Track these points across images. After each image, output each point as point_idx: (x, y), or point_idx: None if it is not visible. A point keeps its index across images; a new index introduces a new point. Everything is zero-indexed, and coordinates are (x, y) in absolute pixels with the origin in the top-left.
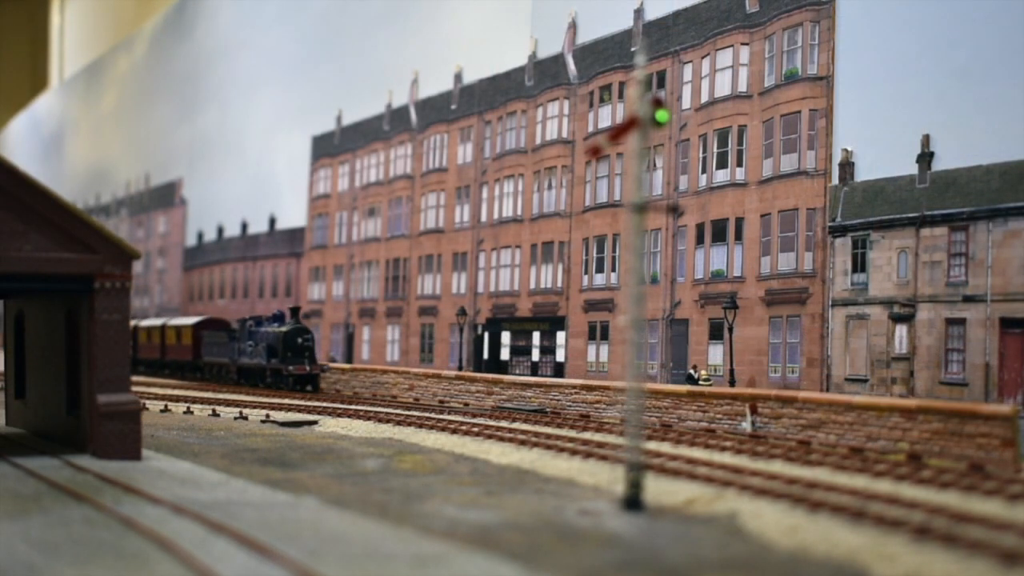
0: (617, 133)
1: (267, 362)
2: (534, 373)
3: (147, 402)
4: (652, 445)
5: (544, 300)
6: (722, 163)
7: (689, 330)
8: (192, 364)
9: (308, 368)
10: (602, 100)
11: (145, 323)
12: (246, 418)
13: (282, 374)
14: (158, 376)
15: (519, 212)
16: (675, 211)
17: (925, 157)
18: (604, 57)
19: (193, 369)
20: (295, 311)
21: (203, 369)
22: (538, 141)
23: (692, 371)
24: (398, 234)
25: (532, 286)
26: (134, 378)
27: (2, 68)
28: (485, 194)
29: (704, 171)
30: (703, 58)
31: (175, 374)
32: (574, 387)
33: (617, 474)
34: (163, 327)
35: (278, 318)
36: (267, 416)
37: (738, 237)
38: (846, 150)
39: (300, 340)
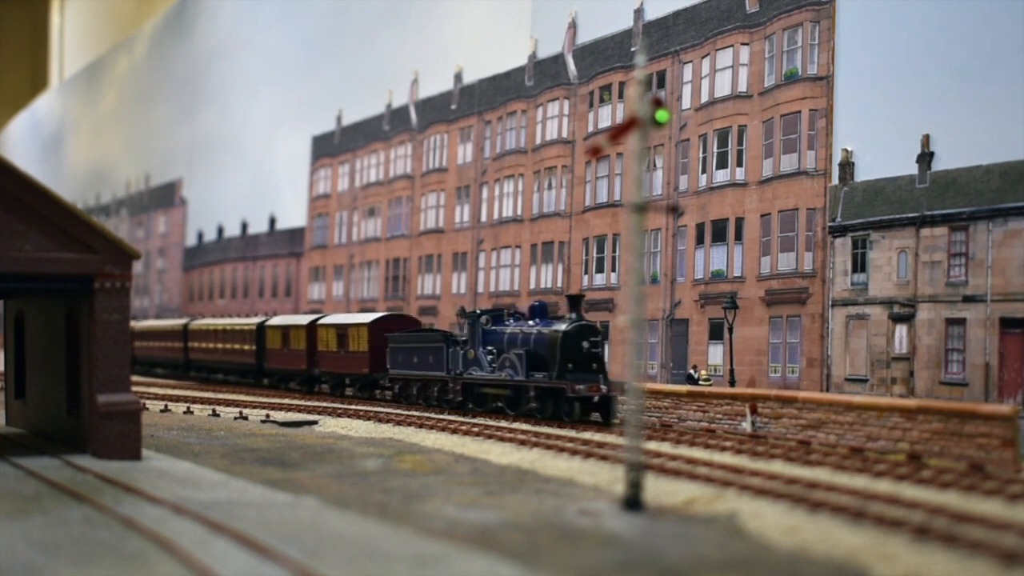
0: (617, 133)
1: (525, 376)
2: None
3: (147, 402)
4: (652, 445)
5: (544, 300)
6: (722, 163)
7: (689, 330)
8: (367, 379)
9: (603, 387)
10: (602, 100)
11: (278, 321)
12: (246, 418)
13: (563, 396)
14: (310, 397)
15: (519, 212)
16: (675, 211)
17: (925, 157)
18: (604, 57)
19: (369, 386)
20: (575, 300)
21: (385, 387)
22: (538, 141)
23: (692, 371)
24: (398, 234)
25: (532, 286)
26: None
27: (2, 68)
28: (485, 194)
29: (704, 171)
30: (703, 58)
31: (338, 392)
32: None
33: (617, 474)
34: (312, 327)
35: (539, 311)
36: (267, 416)
37: (738, 237)
38: (846, 150)
39: (586, 344)
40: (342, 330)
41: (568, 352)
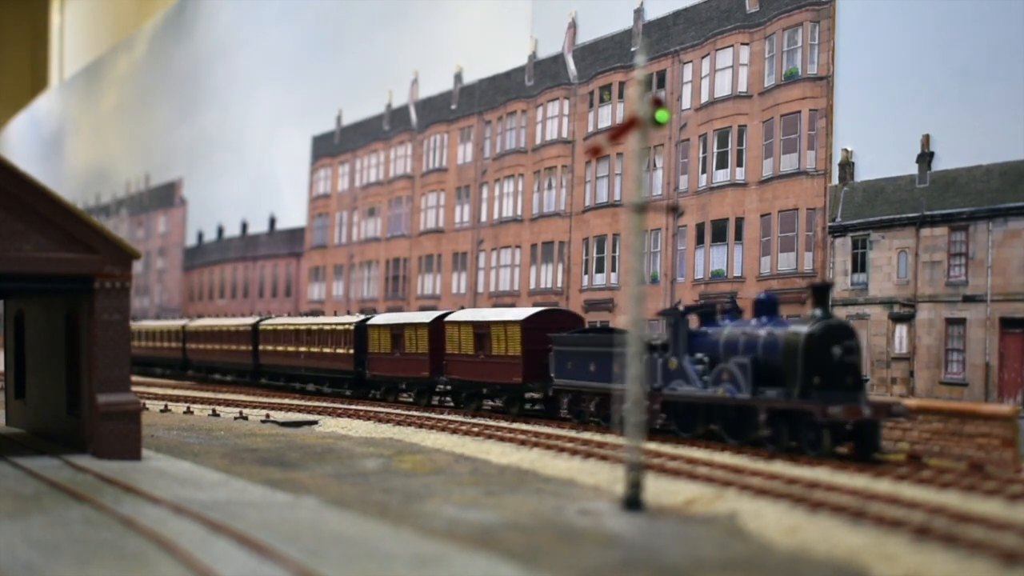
0: (617, 133)
1: (752, 394)
2: None
3: (147, 402)
4: (652, 445)
5: (544, 300)
6: (722, 163)
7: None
8: (518, 391)
9: (864, 409)
10: (602, 100)
11: (385, 319)
12: (246, 418)
13: (808, 421)
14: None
15: (519, 212)
16: (675, 211)
17: (925, 157)
18: (604, 57)
19: (519, 399)
20: (821, 292)
21: (540, 400)
22: (538, 141)
23: None
24: (398, 234)
25: (532, 286)
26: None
27: (2, 68)
28: (485, 194)
29: (704, 171)
30: (703, 58)
31: (472, 405)
32: None
33: (617, 474)
34: (438, 325)
35: (766, 306)
36: (267, 416)
37: (738, 237)
38: (846, 150)
39: (839, 351)
40: (482, 328)
41: (814, 361)
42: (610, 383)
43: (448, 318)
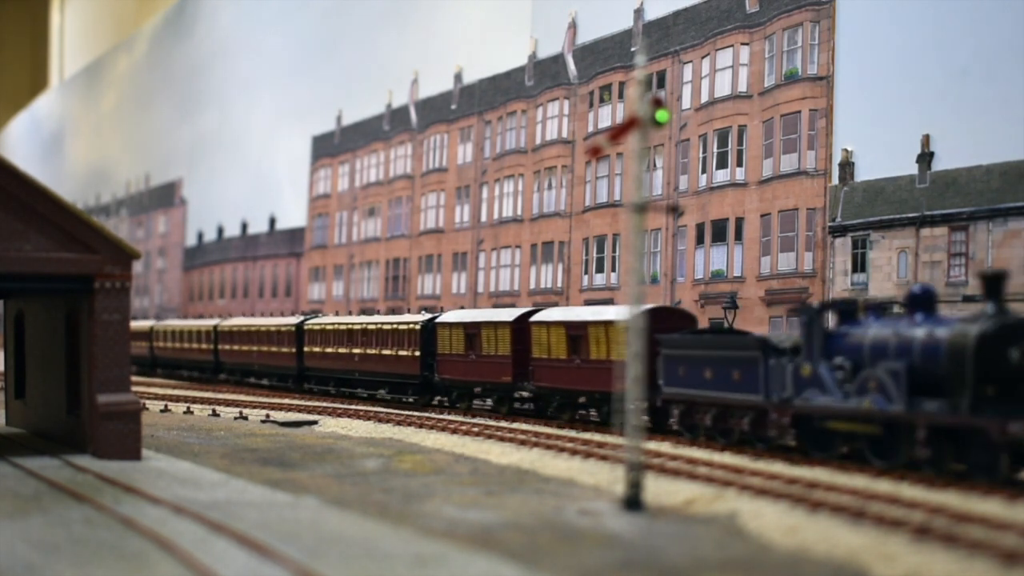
0: (617, 133)
1: (907, 407)
2: None
3: (147, 402)
4: (652, 445)
5: (544, 300)
6: (722, 163)
7: None
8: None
9: None
10: (602, 100)
11: (456, 317)
12: (246, 418)
13: (982, 440)
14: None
15: (519, 212)
16: (675, 211)
17: (925, 157)
18: (604, 57)
19: (602, 406)
20: (993, 281)
21: (654, 410)
22: (538, 141)
23: None
24: (398, 234)
25: (532, 286)
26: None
27: (2, 68)
28: (485, 194)
29: (704, 171)
30: (703, 58)
31: (565, 416)
32: None
33: (617, 474)
34: (523, 324)
35: (922, 300)
36: (267, 416)
37: (738, 237)
38: (846, 150)
39: (1017, 355)
40: (577, 329)
41: (987, 367)
42: (730, 393)
43: (535, 318)
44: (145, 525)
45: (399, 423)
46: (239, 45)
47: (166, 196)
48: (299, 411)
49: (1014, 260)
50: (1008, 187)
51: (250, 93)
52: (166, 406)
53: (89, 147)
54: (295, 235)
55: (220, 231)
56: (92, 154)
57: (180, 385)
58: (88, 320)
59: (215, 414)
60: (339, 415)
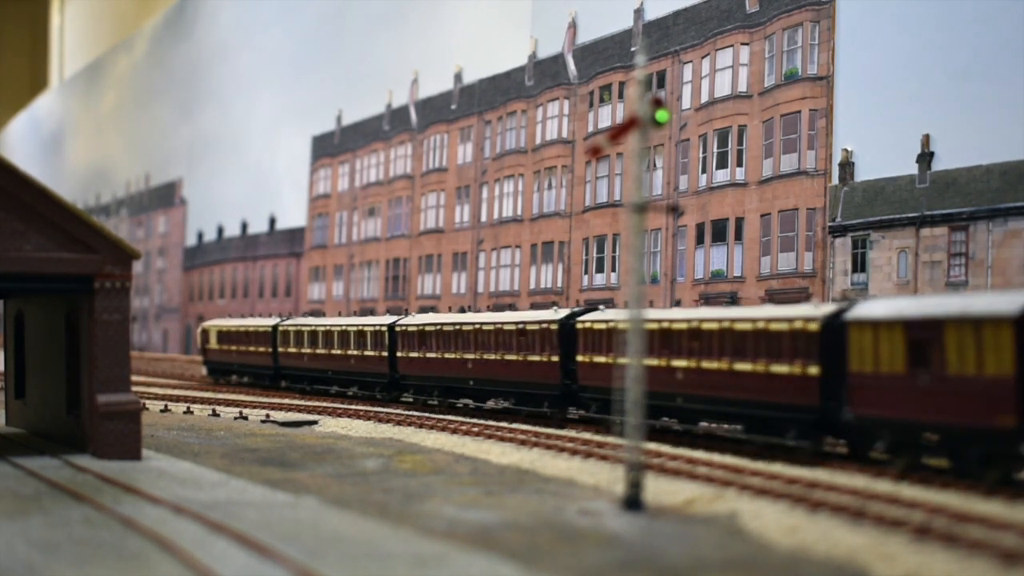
0: (617, 133)
1: None
2: None
3: (147, 402)
4: (652, 445)
5: (544, 300)
6: (722, 163)
7: None
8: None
9: None
10: (602, 100)
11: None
12: (246, 418)
13: None
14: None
15: (519, 212)
16: (675, 211)
17: (925, 157)
18: (604, 57)
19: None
20: None
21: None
22: (538, 141)
23: None
24: (398, 234)
25: (532, 286)
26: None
27: (2, 68)
28: (485, 194)
29: (704, 171)
30: (703, 58)
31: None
32: None
33: (617, 474)
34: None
35: None
36: (267, 416)
37: (738, 237)
38: (846, 150)
39: None
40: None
41: None
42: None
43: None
44: (145, 525)
45: (399, 423)
46: (239, 45)
47: (166, 196)
48: (299, 411)
49: (1014, 260)
50: (1008, 187)
51: (250, 93)
52: (166, 406)
53: (89, 147)
54: (295, 235)
55: (220, 231)
56: (92, 154)
57: (180, 385)
58: (88, 320)
59: (215, 414)
60: (339, 415)
